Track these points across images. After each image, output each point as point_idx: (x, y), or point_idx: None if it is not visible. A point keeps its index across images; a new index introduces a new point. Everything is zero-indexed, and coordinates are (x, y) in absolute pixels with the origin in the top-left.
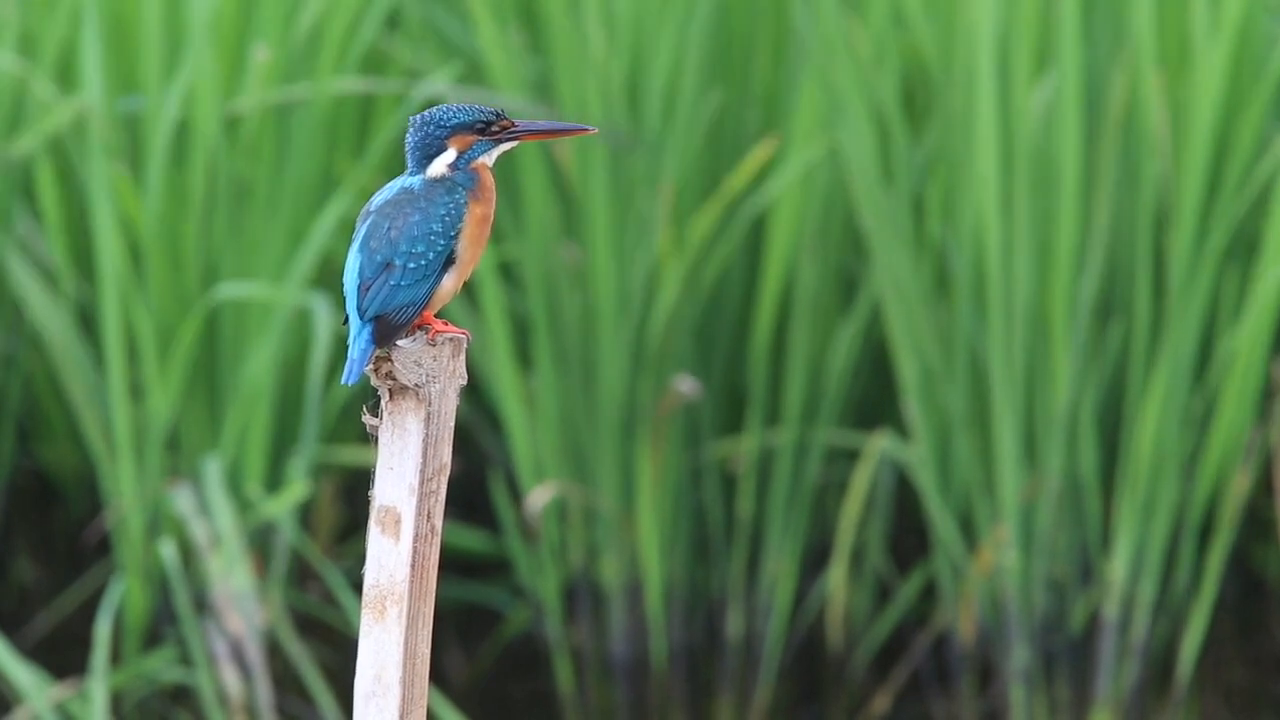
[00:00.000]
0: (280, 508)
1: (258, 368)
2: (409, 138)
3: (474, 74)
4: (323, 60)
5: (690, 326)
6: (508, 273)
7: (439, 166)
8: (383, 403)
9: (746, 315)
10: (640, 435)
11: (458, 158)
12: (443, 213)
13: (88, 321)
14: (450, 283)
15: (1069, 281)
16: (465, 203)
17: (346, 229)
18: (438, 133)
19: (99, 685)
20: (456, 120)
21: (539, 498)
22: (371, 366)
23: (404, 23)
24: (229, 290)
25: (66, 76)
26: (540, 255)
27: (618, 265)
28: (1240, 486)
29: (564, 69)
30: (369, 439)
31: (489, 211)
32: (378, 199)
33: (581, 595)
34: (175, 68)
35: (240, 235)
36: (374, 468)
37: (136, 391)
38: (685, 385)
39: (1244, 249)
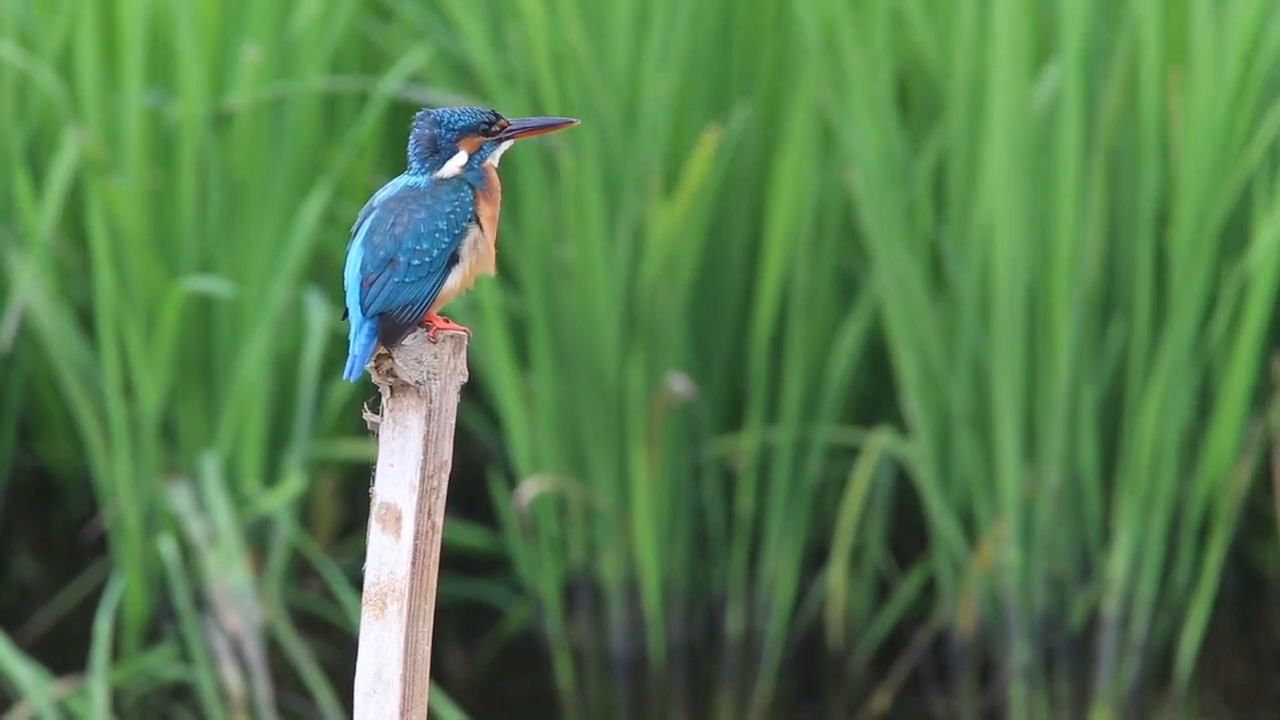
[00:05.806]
0: (277, 502)
1: (252, 363)
2: (416, 137)
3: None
4: (309, 57)
5: (684, 307)
6: (504, 270)
7: (452, 168)
8: (384, 400)
9: (746, 313)
10: (635, 433)
11: (469, 159)
12: (448, 210)
13: (86, 319)
14: (454, 281)
15: (1069, 277)
16: (472, 201)
17: (331, 221)
18: (448, 135)
19: (99, 682)
20: (463, 123)
21: (530, 490)
22: (373, 364)
23: (396, 17)
24: (204, 283)
25: (66, 71)
26: (538, 252)
27: (611, 258)
28: (1238, 482)
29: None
30: (370, 435)
31: (496, 211)
32: (381, 194)
33: (581, 592)
34: (163, 66)
35: (231, 230)
36: (374, 464)
37: (132, 390)
38: (679, 384)
39: (1242, 243)
